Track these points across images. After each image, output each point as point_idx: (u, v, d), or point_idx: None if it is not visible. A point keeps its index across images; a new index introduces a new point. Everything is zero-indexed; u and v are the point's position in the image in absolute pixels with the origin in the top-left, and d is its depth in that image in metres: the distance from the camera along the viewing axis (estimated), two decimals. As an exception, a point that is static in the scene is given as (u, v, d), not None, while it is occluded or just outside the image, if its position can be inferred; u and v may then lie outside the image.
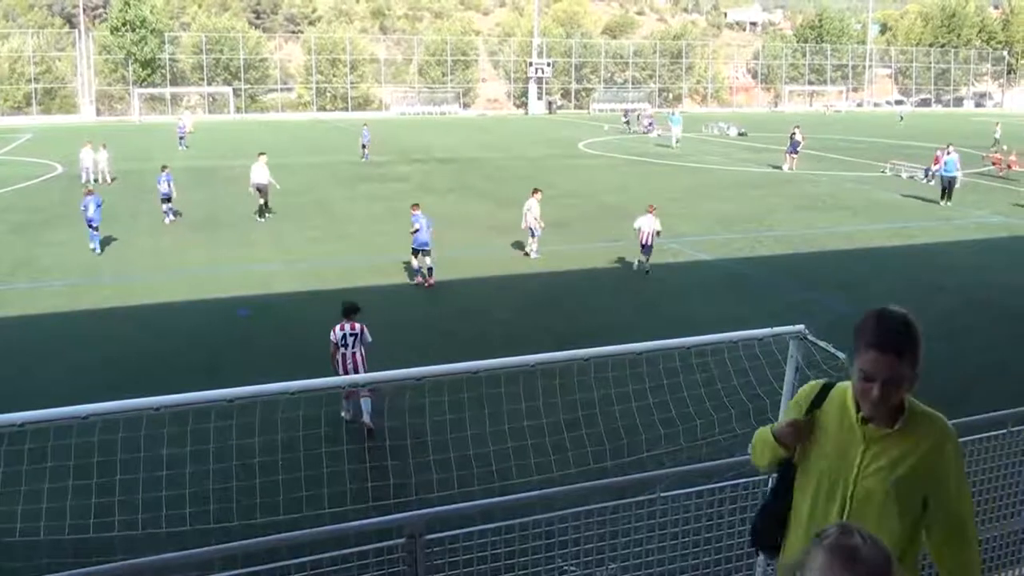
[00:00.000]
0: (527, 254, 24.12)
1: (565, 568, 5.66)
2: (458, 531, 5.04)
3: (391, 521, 4.80)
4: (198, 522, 8.04)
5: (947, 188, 33.44)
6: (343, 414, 12.17)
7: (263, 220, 29.52)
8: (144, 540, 7.66)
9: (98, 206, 24.66)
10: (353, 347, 12.31)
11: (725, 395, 9.67)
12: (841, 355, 6.96)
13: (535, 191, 24.23)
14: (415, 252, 21.17)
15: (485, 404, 8.86)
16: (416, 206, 21.84)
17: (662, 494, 5.40)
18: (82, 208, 24.96)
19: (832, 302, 19.24)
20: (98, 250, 24.48)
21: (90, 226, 24.56)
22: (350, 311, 12.70)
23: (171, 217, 29.46)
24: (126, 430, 7.69)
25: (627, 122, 75.45)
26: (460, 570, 5.05)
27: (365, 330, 12.53)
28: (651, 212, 22.36)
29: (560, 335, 16.16)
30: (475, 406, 8.91)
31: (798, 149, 43.64)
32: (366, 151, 48.62)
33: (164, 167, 30.46)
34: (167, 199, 29.28)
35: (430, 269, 21.11)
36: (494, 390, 8.38)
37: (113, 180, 39.40)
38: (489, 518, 5.12)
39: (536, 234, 23.89)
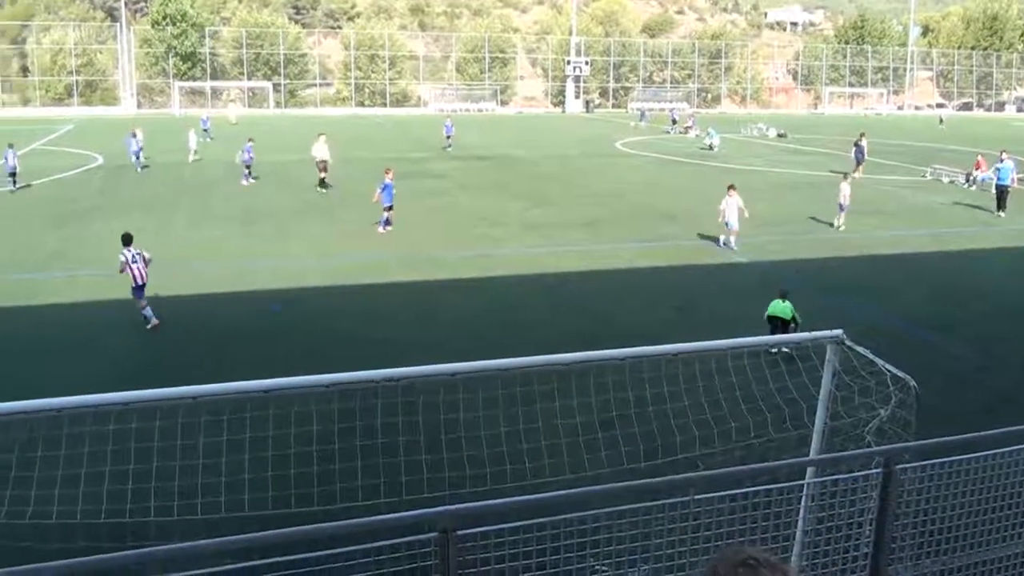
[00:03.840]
0: (725, 245, 25.06)
1: (596, 568, 5.64)
2: (490, 528, 5.03)
3: (423, 516, 4.80)
4: (232, 510, 8.10)
5: (1000, 197, 31.57)
6: (148, 326, 16.87)
7: (323, 191, 34.71)
8: (179, 526, 7.73)
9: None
10: (139, 263, 16.89)
11: (761, 399, 9.59)
12: (879, 361, 6.91)
13: (731, 187, 25.18)
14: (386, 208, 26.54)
15: (519, 402, 8.86)
16: (388, 171, 27.19)
17: (695, 497, 5.37)
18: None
19: (869, 308, 19.05)
20: None
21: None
22: (127, 240, 17.16)
23: (248, 180, 36.72)
24: (163, 418, 7.77)
25: (640, 112, 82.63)
26: (491, 567, 5.04)
27: (145, 252, 17.22)
28: (847, 180, 28.18)
29: (593, 335, 16.11)
30: (509, 403, 8.91)
31: (864, 157, 41.35)
32: (450, 141, 53.30)
33: (250, 140, 37.94)
34: (248, 165, 36.92)
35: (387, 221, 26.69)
36: (527, 388, 8.37)
37: (196, 160, 44.55)
38: (521, 515, 5.11)
39: (734, 227, 24.84)
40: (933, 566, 6.04)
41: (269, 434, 8.49)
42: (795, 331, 14.58)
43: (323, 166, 35.24)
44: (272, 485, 8.51)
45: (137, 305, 17.02)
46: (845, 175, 29.03)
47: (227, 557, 4.92)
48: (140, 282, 16.93)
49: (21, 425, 6.72)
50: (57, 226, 26.99)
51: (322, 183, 35.25)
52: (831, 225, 28.38)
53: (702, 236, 26.71)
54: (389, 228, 26.68)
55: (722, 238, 25.13)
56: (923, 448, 5.87)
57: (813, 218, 30.03)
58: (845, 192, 28.09)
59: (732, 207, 24.63)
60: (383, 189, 26.44)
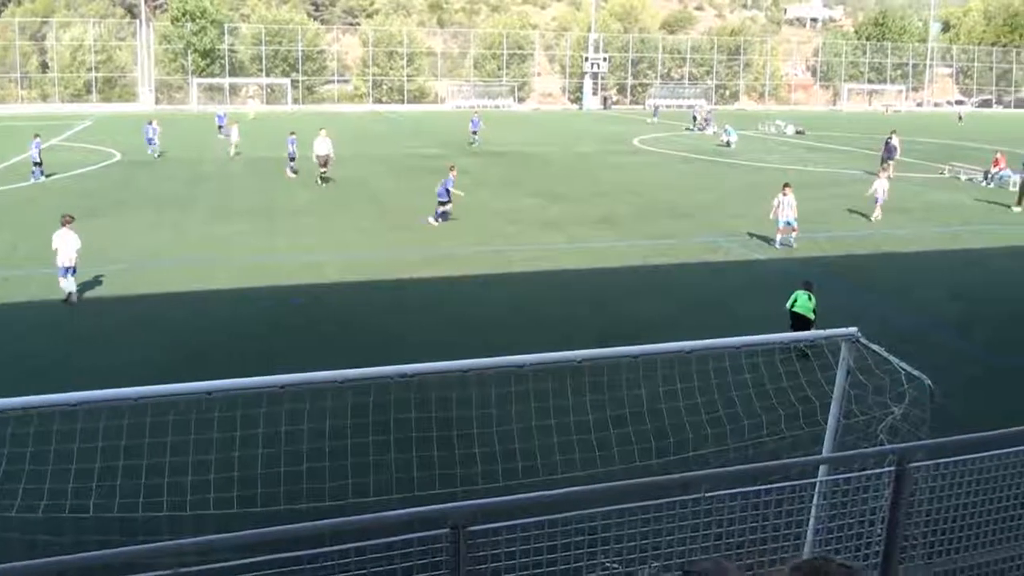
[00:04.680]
0: (783, 245, 24.80)
1: (607, 565, 5.64)
2: (501, 524, 5.04)
3: (435, 511, 4.82)
4: (245, 505, 8.15)
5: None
6: (71, 297, 18.36)
7: (323, 185, 35.21)
8: (191, 521, 7.77)
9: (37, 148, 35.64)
10: (69, 245, 18.42)
11: (774, 396, 9.57)
12: (893, 359, 6.88)
13: (786, 185, 25.13)
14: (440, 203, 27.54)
15: (532, 398, 8.86)
16: (452, 169, 28.67)
17: (706, 494, 5.36)
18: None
19: (885, 306, 18.96)
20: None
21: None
22: (67, 220, 19.06)
23: (291, 174, 37.42)
24: (177, 413, 7.82)
25: (654, 108, 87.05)
26: (502, 562, 5.05)
27: (77, 240, 18.67)
28: (882, 176, 30.25)
29: (607, 332, 16.11)
30: (522, 400, 8.92)
31: (894, 156, 40.38)
32: (476, 136, 54.06)
33: (292, 132, 38.65)
34: (292, 158, 37.68)
35: (443, 214, 27.65)
36: (541, 385, 8.39)
37: (237, 155, 45.18)
38: (533, 512, 5.12)
39: (793, 224, 24.68)
40: (946, 564, 6.02)
41: (282, 429, 8.54)
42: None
43: (323, 160, 35.76)
44: (284, 480, 8.55)
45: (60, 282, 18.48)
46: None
47: (238, 552, 4.94)
48: (65, 264, 18.37)
49: (36, 420, 6.78)
50: (77, 221, 26.98)
51: (322, 177, 35.78)
52: (869, 219, 29.01)
53: (718, 233, 26.65)
54: (440, 222, 27.52)
55: (779, 237, 24.86)
56: (936, 446, 5.83)
57: (832, 216, 29.90)
58: (880, 187, 29.12)
59: (786, 205, 24.57)
60: (447, 186, 27.65)
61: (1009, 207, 32.07)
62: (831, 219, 29.31)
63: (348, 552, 4.80)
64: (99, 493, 8.00)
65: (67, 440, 7.83)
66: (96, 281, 20.10)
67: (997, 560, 6.11)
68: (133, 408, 6.04)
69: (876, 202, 29.11)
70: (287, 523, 4.60)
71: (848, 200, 32.85)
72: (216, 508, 8.00)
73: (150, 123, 46.13)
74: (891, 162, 39.94)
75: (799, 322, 15.37)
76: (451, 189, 27.73)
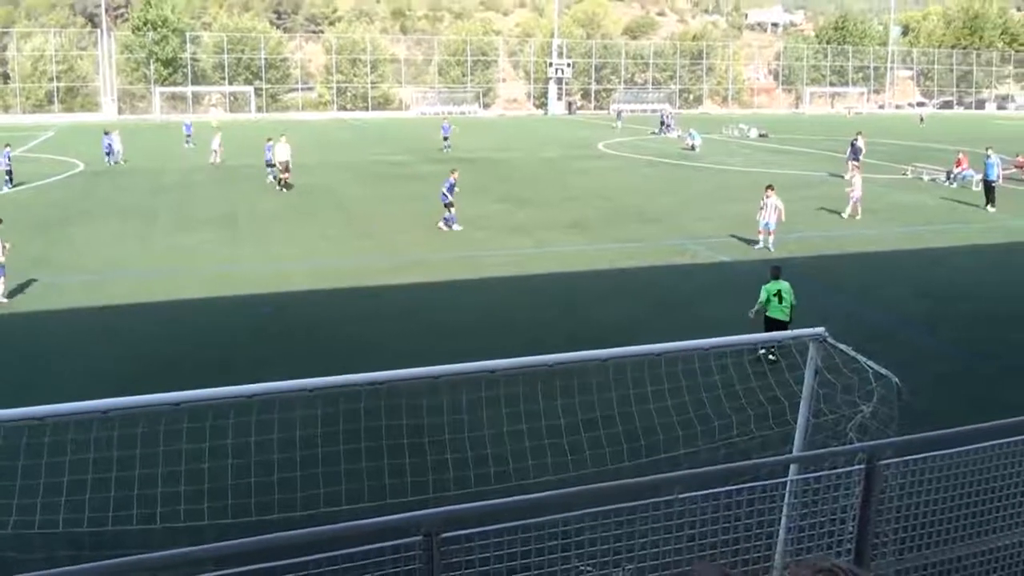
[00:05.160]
0: (767, 248, 24.50)
1: (581, 569, 5.64)
2: (474, 530, 5.02)
3: (408, 519, 4.79)
4: (215, 517, 8.06)
5: (988, 192, 32.49)
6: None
7: (285, 191, 35.49)
8: (162, 534, 7.69)
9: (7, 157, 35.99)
10: None
11: (744, 397, 9.62)
12: (861, 358, 6.93)
13: (770, 187, 24.87)
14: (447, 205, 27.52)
15: (503, 403, 8.85)
16: (453, 171, 28.32)
17: (679, 496, 5.37)
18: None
19: (852, 306, 19.12)
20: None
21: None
22: None
23: (271, 179, 37.45)
24: (145, 425, 7.73)
25: (617, 113, 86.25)
26: (476, 569, 5.03)
27: (6, 243, 19.32)
28: (857, 174, 31.63)
29: (576, 335, 16.10)
30: (493, 405, 8.90)
31: (860, 156, 40.47)
32: (447, 142, 53.65)
33: (269, 139, 38.22)
34: (270, 164, 37.45)
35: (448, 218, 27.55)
36: (512, 390, 8.37)
37: (221, 162, 45.31)
38: (505, 517, 5.10)
39: (771, 228, 24.54)
40: (916, 561, 6.07)
41: (252, 439, 8.46)
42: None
43: (284, 166, 36.20)
44: (255, 491, 8.47)
45: None
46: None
47: (209, 564, 4.89)
48: None
49: (1, 433, 6.68)
50: (39, 233, 26.78)
51: (282, 183, 36.16)
52: (852, 217, 29.73)
53: (685, 236, 26.78)
54: (455, 227, 27.42)
55: (761, 239, 24.74)
56: (905, 443, 5.88)
57: (799, 217, 30.09)
58: (856, 184, 30.40)
59: (770, 208, 24.44)
60: (448, 188, 27.48)
61: (979, 207, 32.31)
62: (798, 220, 29.45)
63: (320, 562, 4.76)
64: (68, 507, 7.88)
65: (35, 454, 7.72)
66: (63, 291, 19.87)
67: (967, 555, 6.16)
68: (101, 421, 5.96)
69: (852, 200, 29.94)
70: (259, 534, 4.55)
71: (815, 201, 33.16)
72: (187, 520, 7.91)
73: (107, 134, 46.54)
74: (856, 163, 40.36)
75: (774, 326, 15.01)
76: (446, 192, 27.46)
